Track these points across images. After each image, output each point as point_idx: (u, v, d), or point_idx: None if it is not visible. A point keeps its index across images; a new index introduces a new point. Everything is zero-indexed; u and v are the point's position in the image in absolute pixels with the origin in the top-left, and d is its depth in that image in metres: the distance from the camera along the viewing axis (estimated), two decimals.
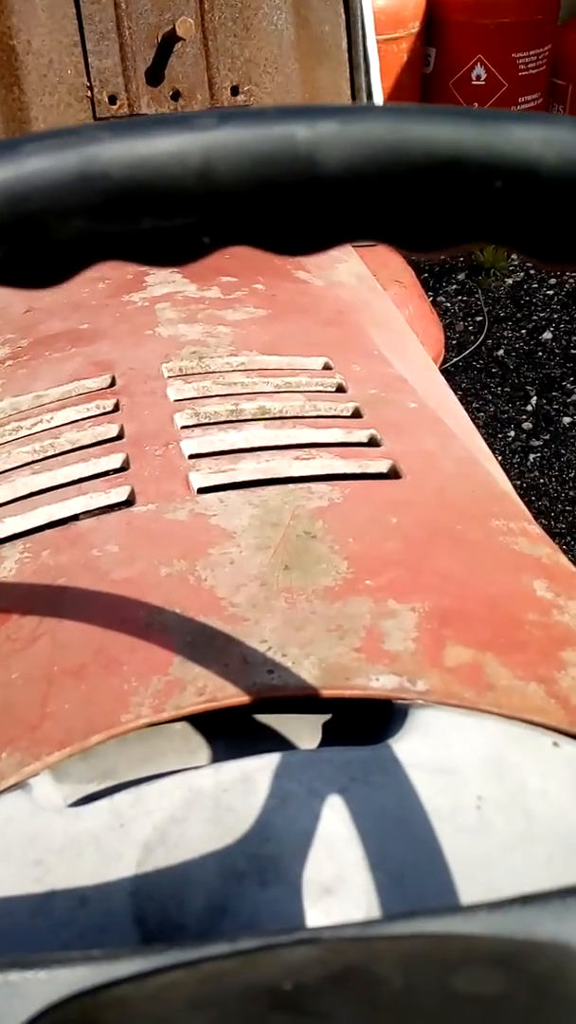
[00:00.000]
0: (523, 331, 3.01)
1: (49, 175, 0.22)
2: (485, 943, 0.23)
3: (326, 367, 0.89)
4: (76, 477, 0.72)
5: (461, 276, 3.25)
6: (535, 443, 2.60)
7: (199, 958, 0.23)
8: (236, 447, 0.75)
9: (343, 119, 0.23)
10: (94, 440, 0.77)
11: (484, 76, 3.72)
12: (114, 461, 0.73)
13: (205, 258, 0.25)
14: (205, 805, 0.46)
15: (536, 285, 3.21)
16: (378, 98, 1.53)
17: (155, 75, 1.40)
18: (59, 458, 0.74)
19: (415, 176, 0.23)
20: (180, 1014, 0.22)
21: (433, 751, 0.48)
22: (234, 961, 0.23)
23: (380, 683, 0.50)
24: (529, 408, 2.72)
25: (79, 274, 0.24)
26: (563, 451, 2.56)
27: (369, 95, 1.51)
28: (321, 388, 0.84)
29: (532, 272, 3.25)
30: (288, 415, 0.79)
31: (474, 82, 3.73)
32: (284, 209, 0.24)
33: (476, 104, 3.74)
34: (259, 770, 0.47)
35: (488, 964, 0.22)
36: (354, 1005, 0.21)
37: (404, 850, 0.44)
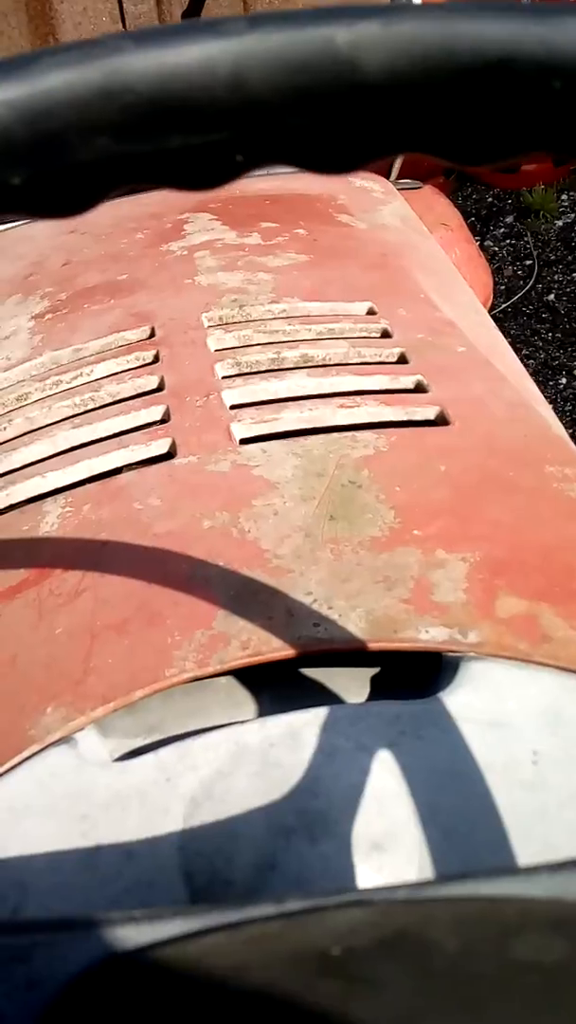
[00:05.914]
0: (575, 275, 2.93)
1: (71, 90, 0.20)
2: (545, 906, 0.21)
3: (370, 312, 0.86)
4: (117, 430, 0.71)
5: (509, 219, 3.16)
6: None
7: (242, 920, 0.22)
8: (279, 396, 0.73)
9: (385, 19, 0.21)
10: (134, 392, 0.75)
11: None
12: (155, 413, 0.72)
13: (239, 179, 0.23)
14: (252, 760, 0.45)
15: None
16: None
17: None
18: (99, 411, 0.73)
19: (466, 78, 0.21)
20: (224, 979, 0.21)
21: (486, 704, 0.46)
22: (279, 924, 0.21)
23: (430, 635, 0.49)
24: None
25: (104, 200, 0.23)
26: None
27: None
28: (365, 334, 0.82)
29: None
30: (332, 362, 0.77)
31: None
32: (323, 120, 0.22)
33: None
34: (306, 724, 0.46)
35: (549, 929, 0.21)
36: (407, 972, 0.20)
37: (456, 805, 0.43)
